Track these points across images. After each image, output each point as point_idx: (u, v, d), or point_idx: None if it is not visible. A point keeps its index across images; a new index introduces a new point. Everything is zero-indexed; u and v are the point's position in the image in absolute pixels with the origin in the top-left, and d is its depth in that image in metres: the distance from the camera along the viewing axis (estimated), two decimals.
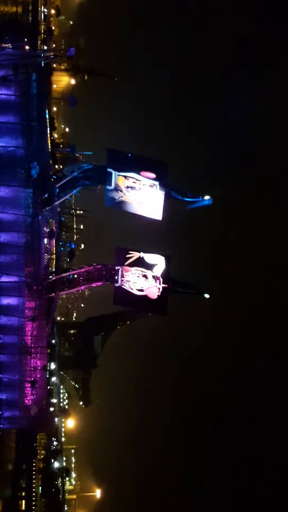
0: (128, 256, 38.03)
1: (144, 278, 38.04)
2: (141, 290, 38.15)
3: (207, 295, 38.25)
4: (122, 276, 38.13)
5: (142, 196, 37.21)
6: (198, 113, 75.26)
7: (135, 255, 38.04)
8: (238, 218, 78.53)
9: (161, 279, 37.73)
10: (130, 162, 36.81)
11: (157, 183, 36.73)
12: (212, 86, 75.55)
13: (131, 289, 38.24)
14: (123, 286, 38.38)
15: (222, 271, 75.71)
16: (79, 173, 37.74)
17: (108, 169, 37.18)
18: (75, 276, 39.15)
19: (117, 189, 37.55)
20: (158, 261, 37.90)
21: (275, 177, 78.00)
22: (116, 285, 38.57)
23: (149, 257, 38.02)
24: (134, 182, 37.02)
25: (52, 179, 38.60)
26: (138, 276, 38.08)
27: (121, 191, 37.52)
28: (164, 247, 41.01)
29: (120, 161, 36.88)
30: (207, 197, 36.74)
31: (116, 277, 38.35)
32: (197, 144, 75.38)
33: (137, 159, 36.90)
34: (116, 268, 38.25)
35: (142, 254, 38.08)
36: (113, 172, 37.14)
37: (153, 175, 36.71)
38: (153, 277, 37.94)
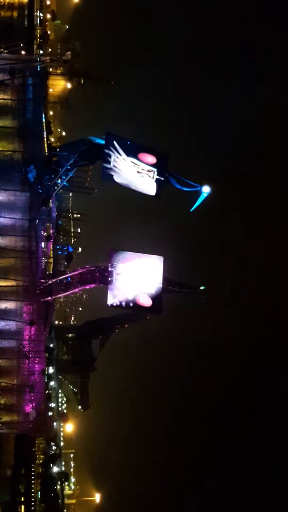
0: (121, 262, 37.88)
1: (138, 279, 37.95)
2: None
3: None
4: (116, 277, 38.01)
5: (140, 177, 36.90)
6: (198, 111, 75.50)
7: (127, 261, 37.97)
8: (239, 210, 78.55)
9: (155, 279, 37.58)
10: (129, 148, 36.57)
11: (155, 169, 36.41)
12: (211, 84, 75.71)
13: (125, 290, 38.14)
14: (116, 287, 38.27)
15: (221, 269, 75.69)
16: (76, 157, 37.52)
17: (106, 151, 36.66)
18: (70, 279, 39.06)
19: (114, 168, 37.35)
20: (152, 264, 37.75)
21: (276, 172, 78.25)
22: (110, 286, 38.52)
23: (143, 261, 37.86)
24: (132, 165, 36.76)
25: (49, 175, 38.28)
26: (131, 278, 38.00)
27: (119, 169, 37.25)
28: (161, 247, 40.82)
29: (119, 146, 36.59)
30: (205, 189, 35.72)
31: (110, 279, 38.24)
32: (196, 141, 75.52)
33: (136, 146, 36.63)
34: (109, 269, 38.14)
35: (136, 259, 37.87)
36: (112, 154, 36.81)
37: (152, 162, 36.37)
38: (147, 277, 37.81)
